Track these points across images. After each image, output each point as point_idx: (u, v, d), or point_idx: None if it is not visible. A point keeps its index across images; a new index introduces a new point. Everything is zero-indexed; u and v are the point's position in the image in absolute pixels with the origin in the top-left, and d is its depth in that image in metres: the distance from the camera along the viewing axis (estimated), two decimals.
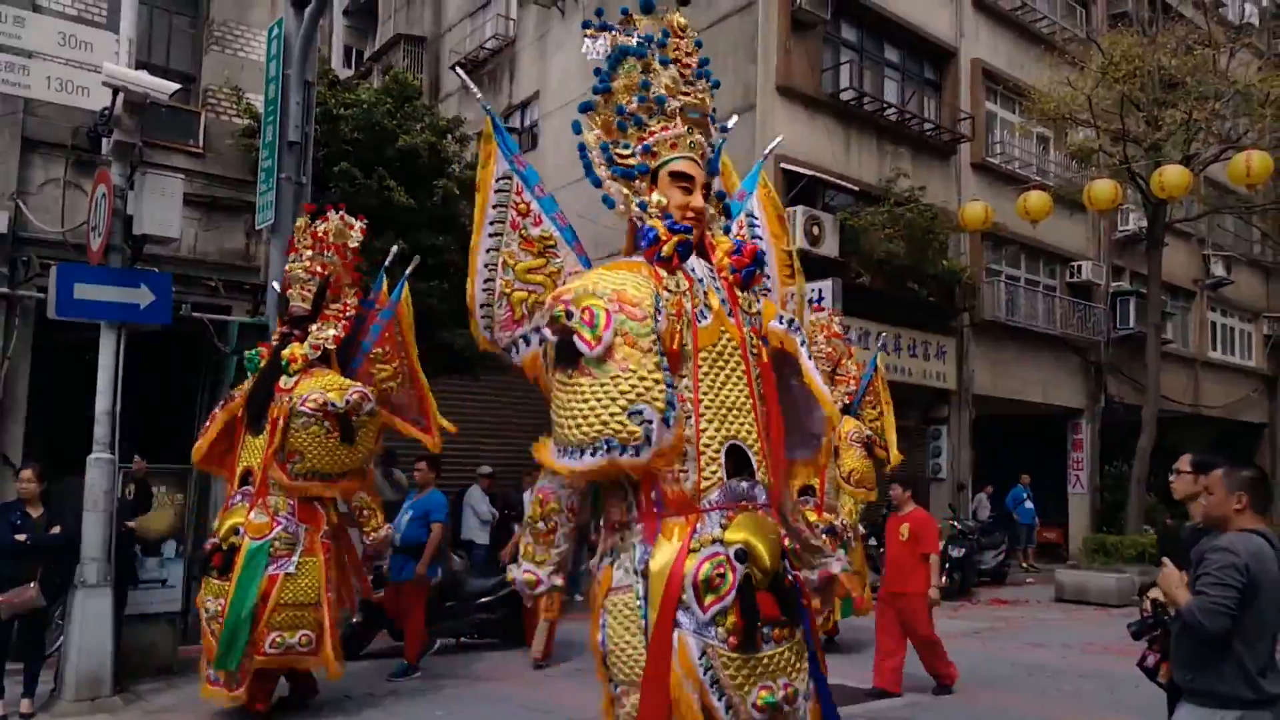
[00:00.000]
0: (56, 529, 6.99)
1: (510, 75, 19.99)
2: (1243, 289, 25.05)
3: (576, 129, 3.49)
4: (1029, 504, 19.11)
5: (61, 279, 7.53)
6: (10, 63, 7.76)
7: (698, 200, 3.34)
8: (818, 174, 15.73)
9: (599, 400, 3.00)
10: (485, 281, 3.48)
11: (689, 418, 3.14)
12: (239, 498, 6.70)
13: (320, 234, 7.03)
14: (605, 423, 2.98)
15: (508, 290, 3.46)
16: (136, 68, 8.00)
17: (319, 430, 6.63)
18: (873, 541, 12.98)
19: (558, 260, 3.53)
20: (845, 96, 16.59)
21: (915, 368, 17.30)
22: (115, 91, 7.59)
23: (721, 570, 3.06)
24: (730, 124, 4.23)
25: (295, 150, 8.64)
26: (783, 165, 15.28)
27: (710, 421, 3.17)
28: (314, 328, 6.93)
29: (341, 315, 7.08)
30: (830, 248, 15.42)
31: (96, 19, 9.63)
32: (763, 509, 3.24)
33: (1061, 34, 20.03)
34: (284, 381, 6.70)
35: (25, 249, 9.27)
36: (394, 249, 7.81)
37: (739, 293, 3.40)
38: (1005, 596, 15.04)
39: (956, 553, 14.63)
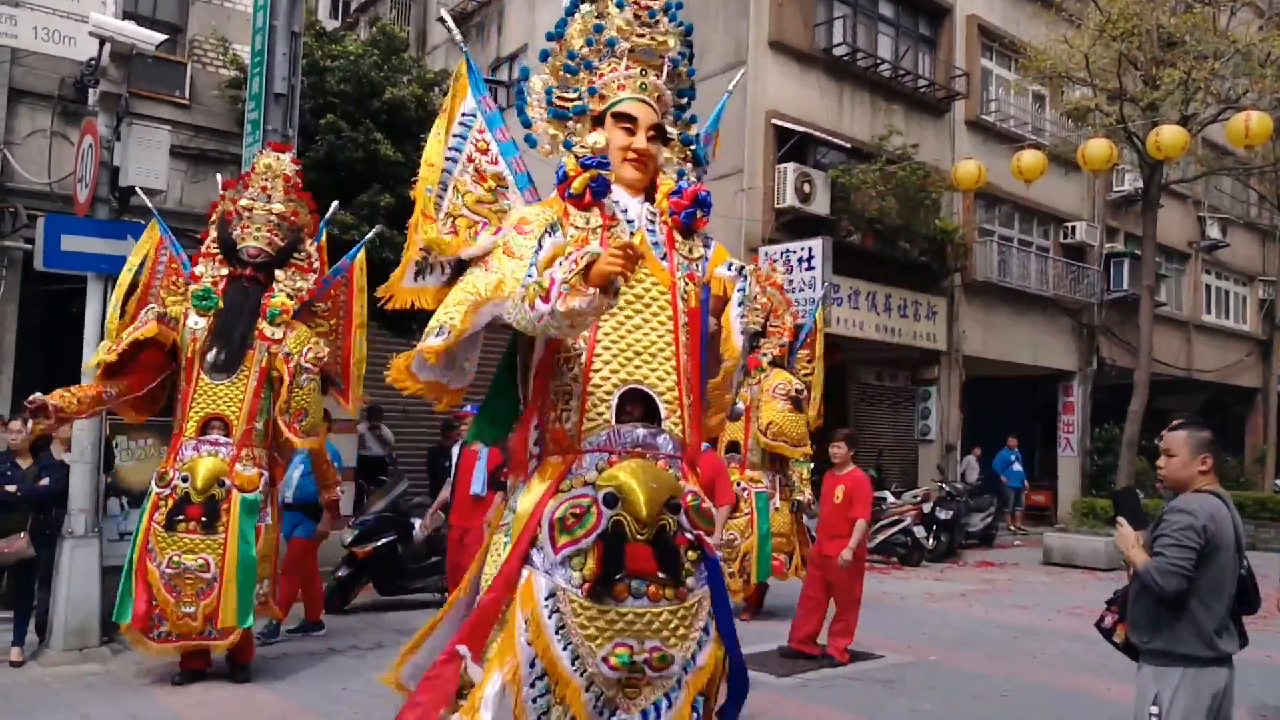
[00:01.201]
0: (45, 480, 7.05)
1: (498, 28, 19.84)
2: (1238, 252, 25.08)
3: (525, 74, 3.46)
4: (1017, 466, 19.21)
5: (49, 230, 7.54)
6: None
7: (639, 141, 3.22)
8: (809, 130, 15.66)
9: (456, 294, 3.02)
10: (440, 192, 3.41)
11: (579, 357, 3.05)
12: (207, 446, 6.32)
13: (290, 177, 6.80)
14: (450, 311, 2.97)
15: (454, 212, 3.39)
16: (123, 18, 7.98)
17: (313, 385, 6.64)
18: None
19: (506, 201, 3.46)
20: (838, 52, 16.47)
21: (905, 328, 17.33)
22: (102, 42, 7.56)
23: (580, 511, 2.92)
24: (732, 85, 4.24)
25: (281, 102, 8.56)
26: (774, 121, 15.23)
27: (606, 364, 3.04)
28: (282, 275, 6.66)
29: (309, 266, 6.95)
30: (821, 205, 15.39)
31: None
32: (666, 459, 3.07)
33: None
34: (270, 331, 6.50)
35: (11, 199, 9.28)
36: (333, 205, 7.62)
37: (679, 237, 3.28)
38: (992, 559, 15.16)
39: (944, 515, 14.69)
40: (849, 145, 16.34)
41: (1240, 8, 17.21)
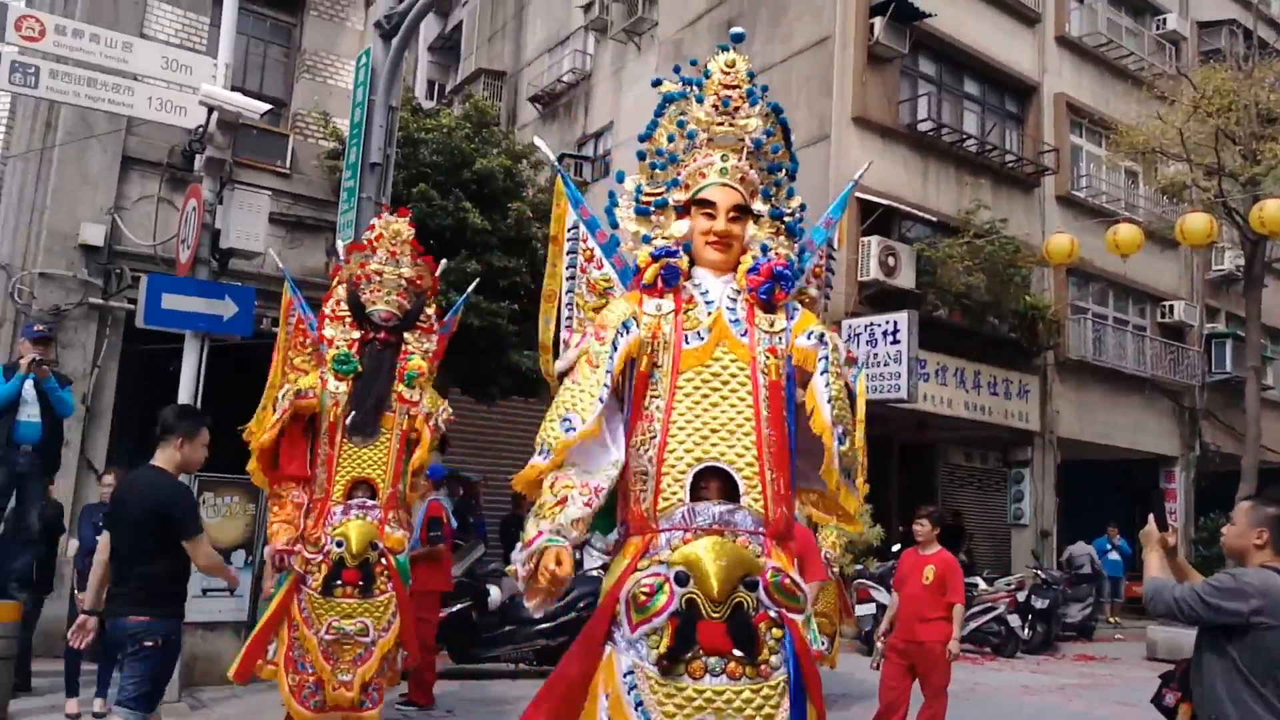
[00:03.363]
0: None
1: (585, 107, 20.38)
2: None
3: (620, 178, 3.61)
4: (1114, 555, 18.32)
5: (151, 289, 7.84)
6: (117, 84, 8.20)
7: (719, 224, 3.34)
8: (893, 203, 15.59)
9: (550, 411, 3.21)
10: (566, 320, 3.67)
11: (654, 438, 3.14)
12: (356, 510, 6.23)
13: (415, 242, 6.90)
14: (545, 429, 3.17)
15: (581, 329, 3.58)
16: (231, 91, 8.38)
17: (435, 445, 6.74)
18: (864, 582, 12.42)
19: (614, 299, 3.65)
20: (923, 127, 16.47)
21: (995, 406, 16.89)
22: (210, 110, 7.95)
23: (650, 590, 2.98)
24: (859, 175, 4.43)
25: (377, 172, 8.85)
26: (858, 195, 15.18)
27: (681, 443, 3.11)
28: (411, 337, 6.67)
29: (432, 328, 7.02)
30: (906, 279, 15.23)
31: (197, 46, 10.12)
32: (745, 535, 3.09)
33: (1150, 70, 19.62)
34: (408, 394, 6.48)
35: (119, 261, 9.70)
36: (443, 262, 7.76)
37: (760, 312, 3.33)
38: (1092, 652, 14.36)
39: (1040, 604, 13.98)
40: (935, 219, 16.21)
41: None
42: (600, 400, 3.11)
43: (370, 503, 6.29)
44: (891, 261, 15.00)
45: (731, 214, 3.34)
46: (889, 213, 15.61)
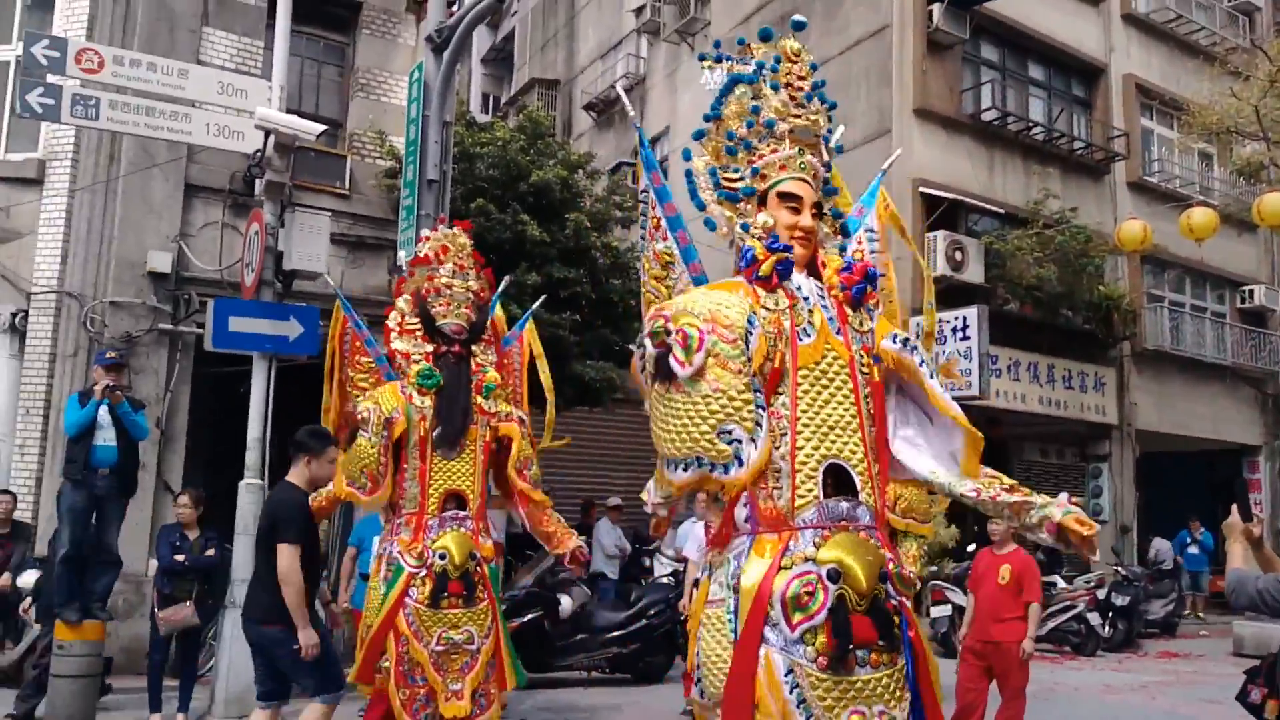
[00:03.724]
0: (211, 551, 7.33)
1: (640, 112, 20.28)
2: None
3: (687, 156, 3.58)
4: (1194, 549, 17.73)
5: (218, 312, 7.97)
6: (174, 111, 8.31)
7: (805, 220, 3.36)
8: (958, 197, 15.27)
9: (690, 419, 3.09)
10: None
11: (784, 435, 3.16)
12: (452, 522, 6.25)
13: (479, 255, 6.90)
14: (696, 440, 3.07)
15: (648, 296, 3.68)
16: (287, 114, 8.46)
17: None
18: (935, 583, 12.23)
19: (673, 276, 3.65)
20: (987, 116, 16.11)
21: (1071, 400, 16.47)
22: (266, 134, 8.04)
23: (810, 588, 3.02)
24: (888, 164, 4.39)
25: (434, 188, 8.87)
26: (921, 189, 14.92)
27: (808, 440, 3.15)
28: (478, 349, 6.63)
29: (491, 341, 7.03)
30: (975, 274, 14.91)
31: (252, 70, 10.25)
32: (865, 530, 3.16)
33: (1222, 44, 19.00)
34: (487, 406, 6.48)
35: (186, 287, 9.87)
36: (505, 279, 7.74)
37: (849, 311, 3.37)
38: (1175, 649, 13.92)
39: (1121, 601, 13.67)
40: (1002, 211, 15.87)
41: None
42: (761, 408, 3.10)
43: (462, 513, 6.31)
44: (959, 256, 14.70)
45: (812, 210, 3.39)
46: (954, 206, 15.29)
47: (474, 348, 6.62)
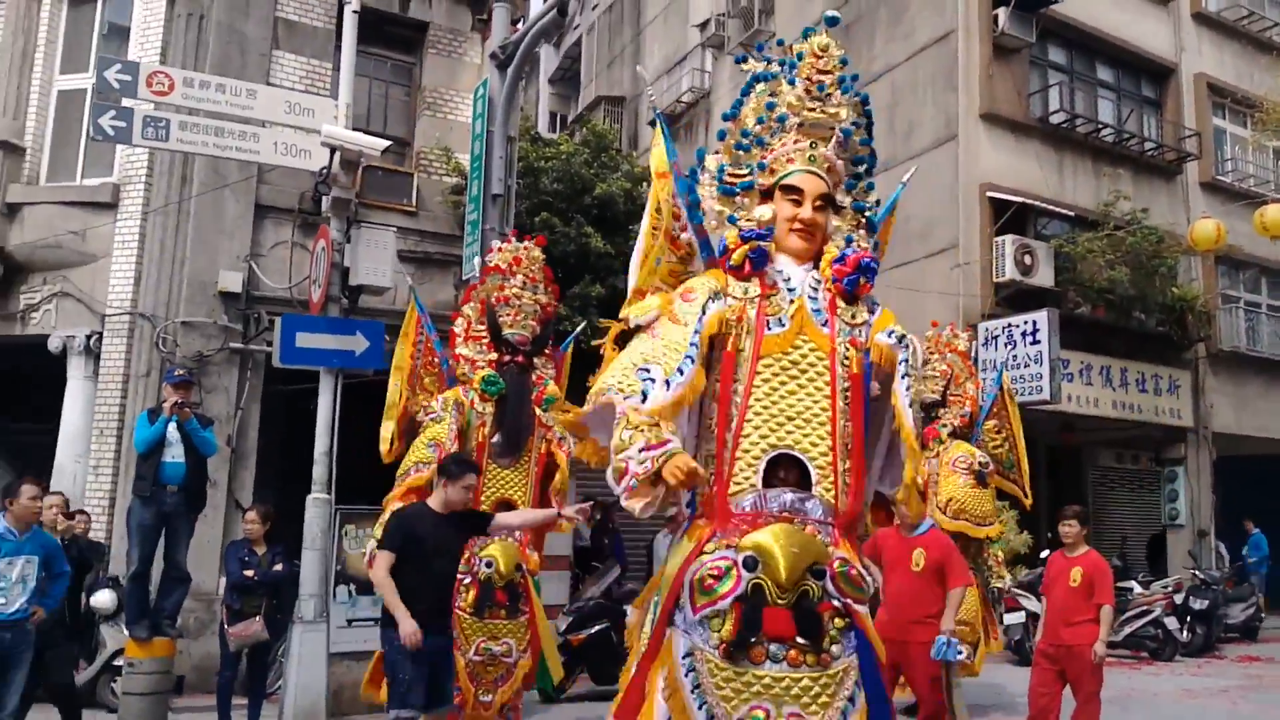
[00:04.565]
0: (279, 566, 7.35)
1: (706, 126, 20.17)
2: None
3: (700, 155, 3.58)
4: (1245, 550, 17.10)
5: (285, 329, 8.07)
6: (243, 131, 8.47)
7: (805, 212, 3.32)
8: (1027, 200, 14.97)
9: (623, 358, 3.16)
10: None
11: (730, 421, 3.13)
12: (501, 532, 6.21)
13: (549, 270, 6.84)
14: (615, 374, 3.10)
15: (646, 285, 3.65)
16: (354, 132, 8.55)
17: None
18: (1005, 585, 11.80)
19: (692, 269, 3.64)
20: (1055, 119, 15.77)
21: (1145, 404, 16.02)
22: (332, 151, 8.14)
23: (718, 573, 2.98)
24: (906, 177, 4.36)
25: (499, 203, 8.91)
26: (989, 194, 14.65)
27: (756, 428, 3.10)
28: (539, 362, 6.69)
29: (552, 355, 7.01)
30: (1044, 278, 14.59)
31: (321, 92, 10.39)
32: (815, 524, 3.08)
33: None
34: (546, 419, 6.51)
35: (257, 306, 10.04)
36: (569, 337, 7.69)
37: (841, 303, 3.31)
38: (1257, 653, 13.49)
39: (1199, 605, 13.30)
40: (1072, 214, 15.50)
41: None
42: (690, 359, 3.05)
43: None
44: (1028, 260, 14.40)
45: (817, 203, 3.35)
46: (1023, 209, 14.98)
47: (536, 360, 6.65)
